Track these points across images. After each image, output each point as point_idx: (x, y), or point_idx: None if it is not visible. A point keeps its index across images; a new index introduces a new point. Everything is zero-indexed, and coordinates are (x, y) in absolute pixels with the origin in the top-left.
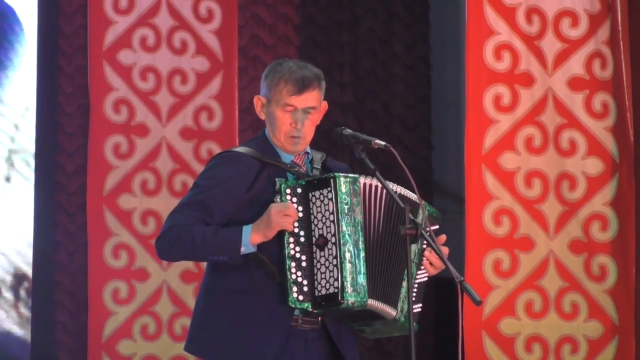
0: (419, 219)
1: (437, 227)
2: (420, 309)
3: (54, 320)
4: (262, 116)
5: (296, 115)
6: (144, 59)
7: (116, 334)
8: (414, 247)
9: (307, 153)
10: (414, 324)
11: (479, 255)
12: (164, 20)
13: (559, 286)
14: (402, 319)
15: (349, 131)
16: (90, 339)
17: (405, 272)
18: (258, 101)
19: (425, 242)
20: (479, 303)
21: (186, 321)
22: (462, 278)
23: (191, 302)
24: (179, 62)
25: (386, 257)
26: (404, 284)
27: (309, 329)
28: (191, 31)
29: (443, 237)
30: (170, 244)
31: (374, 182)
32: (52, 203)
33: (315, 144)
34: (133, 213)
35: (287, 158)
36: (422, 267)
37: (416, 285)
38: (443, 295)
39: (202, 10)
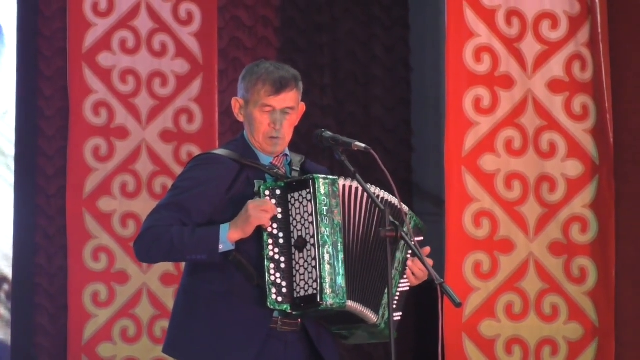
0: (405, 229)
1: (422, 238)
2: (400, 318)
3: (34, 323)
4: (241, 118)
5: (274, 116)
6: (124, 62)
7: (96, 336)
8: (398, 255)
9: (286, 155)
10: (394, 332)
11: (459, 257)
12: (143, 23)
13: (539, 288)
14: (383, 325)
15: (329, 133)
16: (70, 341)
17: (389, 277)
18: (236, 103)
19: (409, 251)
20: (459, 305)
21: (166, 324)
22: (442, 280)
23: (171, 305)
24: (158, 64)
25: (367, 261)
26: (386, 290)
27: (288, 331)
28: (171, 34)
29: (427, 249)
30: (148, 245)
31: (354, 184)
32: (32, 206)
33: (294, 147)
34: (113, 216)
35: (266, 160)
36: (405, 276)
37: (398, 294)
38: (423, 297)
39: (182, 13)
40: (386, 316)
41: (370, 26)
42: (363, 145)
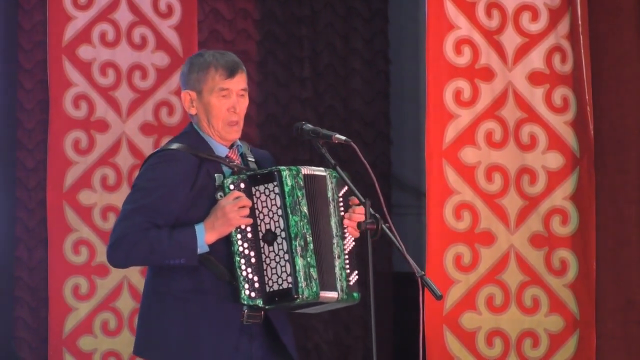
0: (328, 191)
1: (346, 188)
2: (357, 277)
3: (14, 316)
4: (193, 111)
5: (232, 100)
6: (104, 55)
7: (77, 329)
8: (334, 220)
9: (239, 146)
10: (357, 293)
11: (439, 250)
12: (123, 16)
13: (520, 280)
14: (345, 296)
15: (309, 126)
16: (51, 335)
17: (337, 249)
18: (187, 96)
19: (342, 210)
20: (440, 297)
21: None
22: (423, 273)
23: None
24: (138, 57)
25: (324, 244)
26: (336, 262)
27: (253, 324)
28: (151, 26)
29: (354, 200)
30: (126, 252)
31: (314, 172)
32: (12, 199)
33: (275, 139)
34: (93, 209)
35: (220, 151)
36: (346, 236)
37: (346, 256)
38: (404, 289)
39: (162, 6)
40: (345, 288)
41: (349, 19)
42: (344, 137)
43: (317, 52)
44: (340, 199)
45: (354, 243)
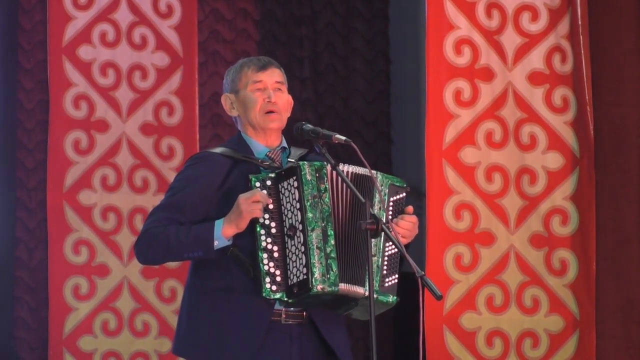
0: (375, 197)
1: (404, 194)
2: (396, 281)
3: (14, 316)
4: (234, 113)
5: (267, 92)
6: (104, 55)
7: (77, 330)
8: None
9: (285, 148)
10: (393, 297)
11: (439, 250)
12: (123, 16)
13: (520, 280)
14: (375, 294)
15: (309, 126)
16: (51, 335)
17: (374, 248)
18: (226, 99)
19: (390, 214)
20: (440, 298)
21: (147, 317)
22: (423, 273)
23: (152, 298)
24: (138, 57)
25: (354, 239)
26: (372, 260)
27: (293, 324)
28: (151, 26)
29: (410, 208)
30: (146, 247)
31: (344, 167)
32: (12, 199)
33: None
34: (93, 209)
35: (262, 152)
36: (388, 241)
37: (386, 259)
38: (404, 290)
39: (162, 6)
40: (376, 286)
41: (350, 18)
42: (344, 137)
43: (317, 52)
44: (391, 204)
45: (396, 250)
